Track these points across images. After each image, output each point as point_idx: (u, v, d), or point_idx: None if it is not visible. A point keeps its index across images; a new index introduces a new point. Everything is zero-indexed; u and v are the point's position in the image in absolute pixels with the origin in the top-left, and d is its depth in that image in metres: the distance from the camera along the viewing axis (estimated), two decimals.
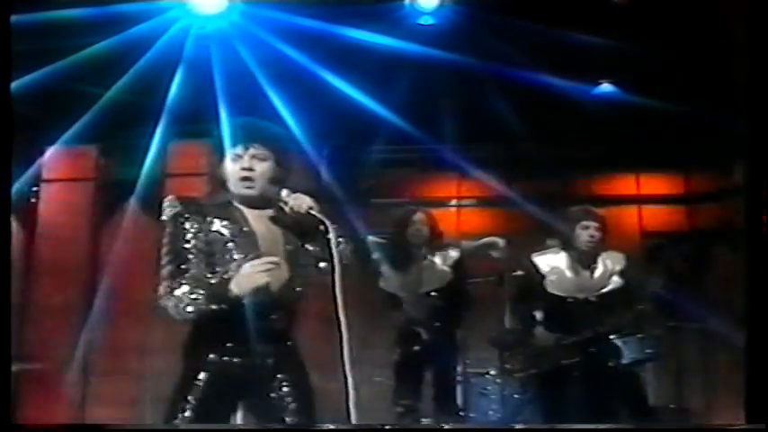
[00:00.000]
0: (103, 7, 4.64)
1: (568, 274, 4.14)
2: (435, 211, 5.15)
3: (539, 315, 4.30)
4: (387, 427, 4.36)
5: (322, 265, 2.48)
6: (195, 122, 6.06)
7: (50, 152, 6.50)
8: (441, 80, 6.04)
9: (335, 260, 2.33)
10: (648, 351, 5.31)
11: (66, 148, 6.12)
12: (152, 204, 6.63)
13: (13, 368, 3.23)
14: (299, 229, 2.51)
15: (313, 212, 2.42)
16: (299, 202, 2.44)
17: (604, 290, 4.09)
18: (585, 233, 4.11)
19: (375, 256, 4.43)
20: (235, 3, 5.02)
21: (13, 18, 2.78)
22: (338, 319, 2.25)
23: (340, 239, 2.45)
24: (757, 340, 2.51)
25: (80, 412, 6.19)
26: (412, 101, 5.71)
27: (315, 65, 5.14)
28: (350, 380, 2.21)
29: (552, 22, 4.80)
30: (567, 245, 4.18)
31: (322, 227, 2.41)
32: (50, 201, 6.90)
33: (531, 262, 4.23)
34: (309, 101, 5.34)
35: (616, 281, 4.10)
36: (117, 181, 6.77)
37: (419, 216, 4.62)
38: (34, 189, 6.82)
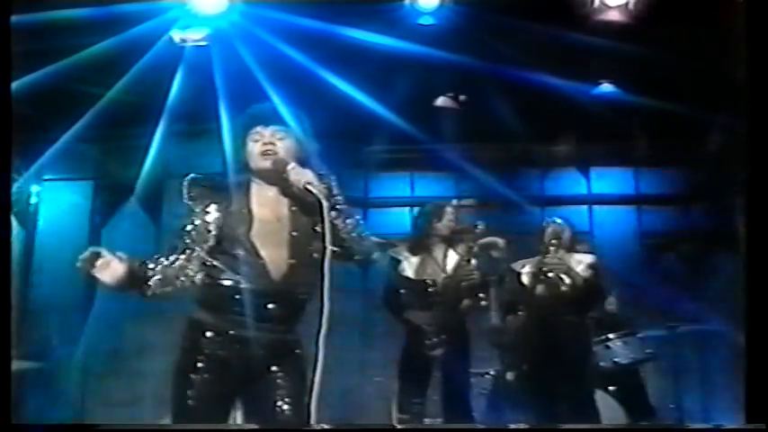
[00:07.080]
0: (103, 7, 4.64)
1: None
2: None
3: None
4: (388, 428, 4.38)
5: (331, 248, 2.26)
6: (195, 122, 6.08)
7: (50, 152, 6.49)
8: (441, 80, 6.05)
9: (327, 240, 2.21)
10: (648, 351, 5.35)
11: (66, 148, 6.11)
12: (152, 204, 6.65)
13: (13, 368, 3.22)
14: (303, 207, 2.43)
15: (309, 188, 2.30)
16: (299, 176, 2.36)
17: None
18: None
19: (393, 252, 4.62)
20: (235, 3, 5.02)
21: (13, 18, 2.78)
22: (321, 301, 2.14)
23: (336, 219, 2.38)
24: (757, 340, 2.51)
25: (80, 412, 6.19)
26: (412, 101, 5.71)
27: (315, 65, 5.14)
28: (318, 371, 2.11)
29: (552, 22, 4.80)
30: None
31: (317, 204, 2.27)
32: (50, 201, 6.89)
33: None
34: (309, 101, 5.33)
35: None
36: (117, 181, 6.77)
37: (450, 209, 4.76)
38: (34, 189, 6.82)
